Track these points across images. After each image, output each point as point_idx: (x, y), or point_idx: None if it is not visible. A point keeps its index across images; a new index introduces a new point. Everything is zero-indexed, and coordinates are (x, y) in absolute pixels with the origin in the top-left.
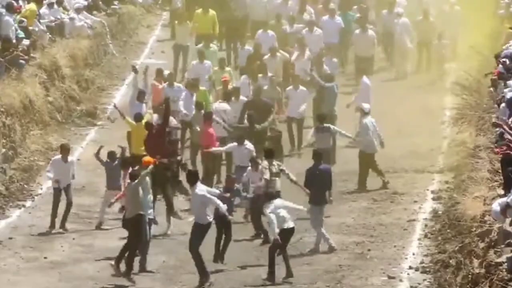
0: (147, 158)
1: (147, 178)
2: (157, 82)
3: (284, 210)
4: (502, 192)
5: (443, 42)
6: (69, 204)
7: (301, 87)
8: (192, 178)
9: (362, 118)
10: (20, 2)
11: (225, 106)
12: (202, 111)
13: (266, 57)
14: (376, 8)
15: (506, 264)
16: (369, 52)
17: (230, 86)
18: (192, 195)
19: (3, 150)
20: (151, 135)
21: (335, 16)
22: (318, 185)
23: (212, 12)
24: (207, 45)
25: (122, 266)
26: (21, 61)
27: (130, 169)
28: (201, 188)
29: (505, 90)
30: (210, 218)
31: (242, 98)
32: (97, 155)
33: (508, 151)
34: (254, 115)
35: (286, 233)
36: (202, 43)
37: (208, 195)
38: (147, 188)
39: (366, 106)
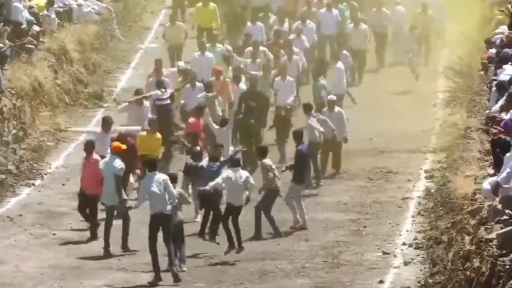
0: (117, 144)
1: None
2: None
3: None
4: (492, 171)
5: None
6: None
7: (288, 78)
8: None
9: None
10: None
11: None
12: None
13: (248, 49)
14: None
15: (496, 240)
16: (362, 46)
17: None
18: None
19: (14, 131)
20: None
21: (332, 9)
22: (300, 165)
23: (212, 5)
24: (213, 43)
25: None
26: (30, 45)
27: None
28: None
29: (498, 71)
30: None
31: (242, 85)
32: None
33: (500, 135)
34: (253, 107)
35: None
36: (204, 37)
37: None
38: None
39: (332, 97)
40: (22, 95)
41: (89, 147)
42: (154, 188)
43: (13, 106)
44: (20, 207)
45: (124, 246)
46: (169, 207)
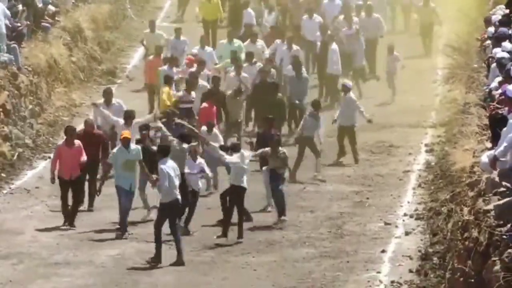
0: (125, 133)
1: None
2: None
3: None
4: (489, 145)
5: (432, 6)
6: None
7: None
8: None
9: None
10: None
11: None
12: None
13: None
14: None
15: (493, 211)
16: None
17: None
18: None
19: (30, 106)
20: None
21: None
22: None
23: None
24: (230, 39)
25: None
26: (46, 24)
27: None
28: None
29: (495, 50)
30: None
31: (258, 63)
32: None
33: (497, 110)
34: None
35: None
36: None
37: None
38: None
39: (349, 83)
40: (38, 72)
41: (70, 132)
42: (173, 175)
43: (30, 82)
44: (36, 179)
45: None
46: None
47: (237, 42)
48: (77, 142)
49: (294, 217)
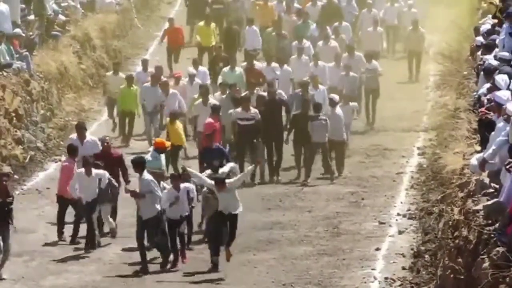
0: (160, 140)
1: None
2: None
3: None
4: (479, 148)
5: (421, 32)
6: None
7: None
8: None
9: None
10: None
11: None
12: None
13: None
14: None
15: (482, 211)
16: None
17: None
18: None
19: (42, 111)
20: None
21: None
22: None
23: (213, 24)
24: (232, 67)
25: None
26: (57, 33)
27: None
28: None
29: (484, 58)
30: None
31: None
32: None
33: (487, 115)
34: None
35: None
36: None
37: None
38: None
39: (335, 96)
40: (49, 78)
41: (72, 150)
42: (182, 194)
43: (41, 88)
44: (47, 180)
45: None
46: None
47: (238, 70)
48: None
49: (293, 216)
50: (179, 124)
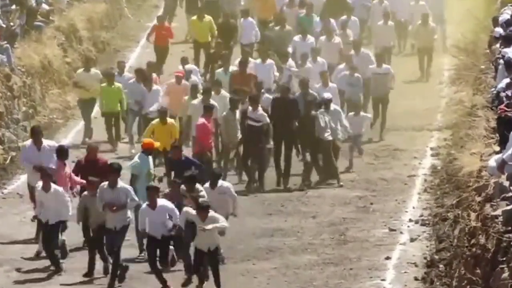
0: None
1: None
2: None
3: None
4: (497, 148)
5: (432, 26)
6: None
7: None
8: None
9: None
10: None
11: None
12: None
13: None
14: None
15: (501, 217)
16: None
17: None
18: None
19: (24, 108)
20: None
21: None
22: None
23: (208, 17)
24: (226, 68)
25: None
26: (40, 24)
27: None
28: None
29: (504, 51)
30: None
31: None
32: None
33: (506, 113)
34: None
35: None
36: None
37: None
38: None
39: (328, 95)
40: (32, 73)
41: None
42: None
43: (23, 84)
44: None
45: None
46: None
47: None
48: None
49: (296, 222)
50: (171, 125)
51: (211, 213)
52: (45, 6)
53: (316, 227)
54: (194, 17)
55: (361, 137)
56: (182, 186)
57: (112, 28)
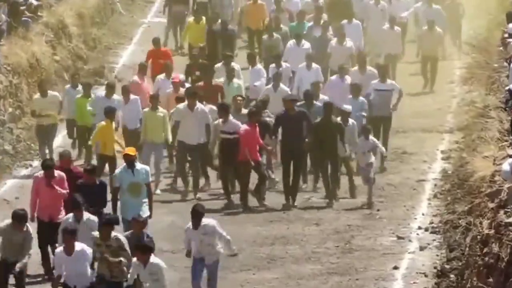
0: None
1: None
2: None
3: None
4: None
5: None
6: None
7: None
8: None
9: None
10: None
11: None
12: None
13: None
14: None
15: None
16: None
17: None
18: None
19: (10, 109)
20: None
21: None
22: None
23: (204, 19)
24: (230, 78)
25: None
26: (27, 19)
27: None
28: None
29: None
30: None
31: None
32: None
33: None
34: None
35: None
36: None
37: None
38: None
39: (348, 107)
40: (19, 71)
41: (48, 166)
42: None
43: (10, 83)
44: (17, 189)
45: None
46: None
47: (236, 83)
48: (58, 174)
49: (299, 230)
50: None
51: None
52: (32, 1)
53: (320, 235)
54: (191, 19)
55: (372, 169)
56: (95, 233)
57: (104, 24)
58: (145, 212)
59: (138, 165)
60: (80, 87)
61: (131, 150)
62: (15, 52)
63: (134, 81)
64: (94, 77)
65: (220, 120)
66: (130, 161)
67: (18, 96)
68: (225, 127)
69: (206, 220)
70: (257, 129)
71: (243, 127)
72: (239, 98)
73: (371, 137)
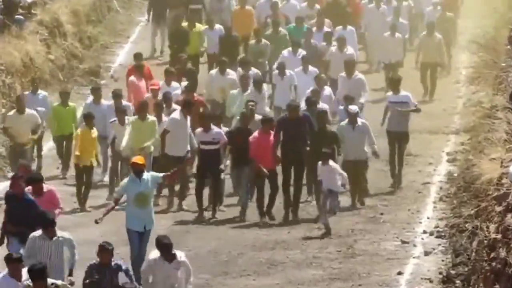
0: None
1: None
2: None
3: None
4: None
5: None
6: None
7: None
8: None
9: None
10: None
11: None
12: None
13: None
14: None
15: None
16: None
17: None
18: None
19: (3, 110)
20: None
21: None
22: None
23: (199, 26)
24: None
25: None
26: (21, 17)
27: None
28: None
29: None
30: None
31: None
32: None
33: None
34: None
35: None
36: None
37: None
38: None
39: (355, 107)
40: (12, 71)
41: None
42: None
43: (2, 83)
44: None
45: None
46: None
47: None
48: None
49: (299, 234)
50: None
51: None
52: None
53: (322, 239)
54: (185, 25)
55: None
56: (26, 281)
57: (100, 22)
58: (150, 224)
59: (145, 175)
60: (40, 93)
61: (139, 159)
62: (9, 51)
63: (132, 81)
64: (89, 76)
65: (201, 129)
66: (138, 170)
67: (11, 97)
68: (204, 137)
69: (179, 253)
70: (271, 137)
71: (254, 134)
72: (251, 103)
73: (331, 162)
